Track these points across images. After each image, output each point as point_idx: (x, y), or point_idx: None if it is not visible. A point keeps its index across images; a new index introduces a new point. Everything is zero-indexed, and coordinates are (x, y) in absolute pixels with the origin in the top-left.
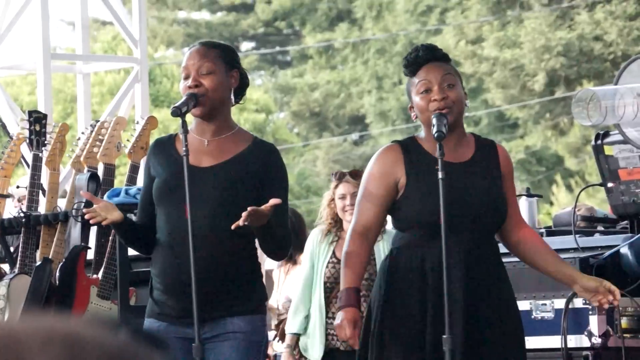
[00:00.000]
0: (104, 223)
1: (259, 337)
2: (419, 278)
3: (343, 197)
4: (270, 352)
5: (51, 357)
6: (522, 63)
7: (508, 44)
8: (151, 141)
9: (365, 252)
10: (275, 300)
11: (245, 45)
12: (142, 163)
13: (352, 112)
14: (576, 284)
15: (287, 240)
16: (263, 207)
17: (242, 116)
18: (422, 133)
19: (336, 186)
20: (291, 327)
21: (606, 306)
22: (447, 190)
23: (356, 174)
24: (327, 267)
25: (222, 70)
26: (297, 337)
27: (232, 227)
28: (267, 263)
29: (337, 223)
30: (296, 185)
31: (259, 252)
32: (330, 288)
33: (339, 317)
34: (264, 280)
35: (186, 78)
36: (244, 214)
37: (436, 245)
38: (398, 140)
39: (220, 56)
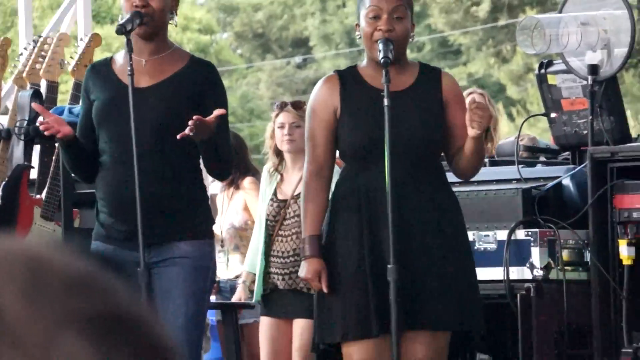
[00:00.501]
0: (58, 136)
1: (206, 262)
2: (354, 207)
3: (282, 127)
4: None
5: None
6: None
7: None
8: (95, 59)
9: (323, 192)
10: (218, 226)
11: None
12: None
13: (295, 35)
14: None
15: (229, 158)
16: (208, 118)
17: (186, 36)
18: (364, 62)
19: (276, 115)
20: (247, 263)
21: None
22: (377, 118)
23: (298, 105)
24: (269, 204)
25: None
26: (251, 274)
27: (178, 136)
28: (210, 188)
29: (277, 155)
30: (239, 108)
31: (204, 175)
32: (272, 226)
33: (303, 268)
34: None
35: None
36: (190, 122)
37: (367, 173)
38: (338, 70)
39: None
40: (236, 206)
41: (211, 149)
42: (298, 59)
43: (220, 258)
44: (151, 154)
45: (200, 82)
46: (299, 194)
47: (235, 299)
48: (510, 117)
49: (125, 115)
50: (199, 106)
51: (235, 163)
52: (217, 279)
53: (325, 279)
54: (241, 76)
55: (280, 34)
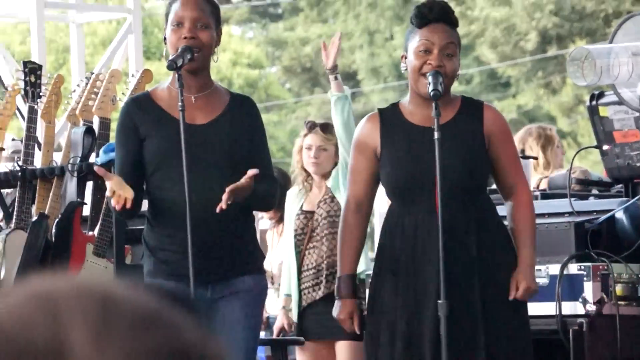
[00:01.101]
0: (128, 205)
1: (264, 296)
2: (399, 245)
3: (309, 148)
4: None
5: (87, 314)
6: (513, 22)
7: (500, 1)
8: None
9: (360, 227)
10: (269, 263)
11: None
12: None
13: (343, 68)
14: (514, 278)
15: (272, 194)
16: (243, 180)
17: (235, 70)
18: (406, 97)
19: (305, 135)
20: (284, 288)
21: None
22: (417, 154)
23: (326, 128)
24: (295, 219)
25: (213, 26)
26: (289, 297)
27: (217, 210)
28: (260, 224)
29: (306, 171)
30: (288, 143)
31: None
32: (301, 241)
33: (336, 308)
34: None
35: (178, 26)
36: (224, 197)
37: (411, 210)
38: (380, 108)
39: (213, 12)
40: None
41: (252, 200)
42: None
43: (271, 294)
44: (218, 190)
45: (247, 119)
46: (323, 197)
47: (277, 325)
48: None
49: (187, 152)
50: (251, 141)
51: (280, 198)
52: (267, 314)
53: (358, 321)
54: (290, 110)
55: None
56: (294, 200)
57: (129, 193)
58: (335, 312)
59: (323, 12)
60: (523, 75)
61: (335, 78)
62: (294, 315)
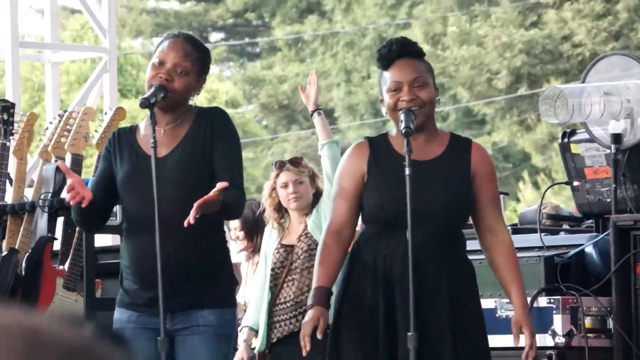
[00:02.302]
0: (83, 205)
1: (228, 331)
2: (371, 273)
3: (285, 186)
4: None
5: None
6: (483, 60)
7: (469, 41)
8: None
9: (339, 251)
10: (242, 296)
11: (215, 36)
12: None
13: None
14: (516, 325)
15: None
16: (211, 193)
17: None
18: (393, 130)
19: (277, 175)
20: (247, 321)
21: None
22: (402, 186)
23: (296, 162)
24: (274, 253)
25: (195, 73)
26: (252, 330)
27: (185, 224)
28: (235, 257)
29: (279, 212)
30: (264, 179)
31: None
32: (278, 273)
33: (308, 315)
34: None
35: (160, 65)
36: (192, 212)
37: (387, 239)
38: (369, 136)
39: (198, 60)
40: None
41: (222, 211)
42: None
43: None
44: (174, 221)
45: (209, 128)
46: (303, 231)
47: (236, 359)
48: (536, 186)
49: (149, 185)
50: (211, 153)
51: (257, 233)
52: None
53: (322, 328)
54: (266, 147)
55: (306, 106)
56: (269, 238)
57: (87, 193)
58: (305, 319)
59: (301, 51)
60: (498, 113)
61: (319, 114)
62: (261, 345)
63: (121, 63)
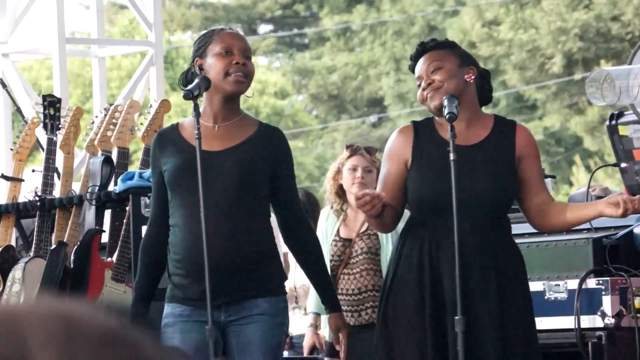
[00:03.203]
0: None
1: (282, 319)
2: (417, 261)
3: (354, 169)
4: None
5: (48, 334)
6: (538, 44)
7: (524, 25)
8: (165, 124)
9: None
10: (292, 282)
11: (263, 28)
12: None
13: (370, 95)
14: (601, 205)
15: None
16: None
17: (262, 100)
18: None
19: (349, 157)
20: (310, 306)
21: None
22: (447, 171)
23: (371, 151)
24: (331, 244)
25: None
26: (318, 315)
27: None
28: (283, 245)
29: (340, 197)
30: (315, 169)
31: (276, 231)
32: (336, 266)
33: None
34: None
35: (227, 53)
36: None
37: (432, 226)
38: (414, 120)
39: (249, 47)
40: None
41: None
42: (373, 118)
43: (294, 314)
44: (226, 215)
45: (271, 148)
46: (365, 230)
47: (307, 344)
48: (588, 169)
49: (202, 178)
50: (270, 173)
51: (313, 221)
52: (290, 335)
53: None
54: (317, 137)
55: (355, 95)
56: (326, 224)
57: None
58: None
59: (349, 40)
60: (549, 98)
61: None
62: (327, 335)
63: (172, 57)
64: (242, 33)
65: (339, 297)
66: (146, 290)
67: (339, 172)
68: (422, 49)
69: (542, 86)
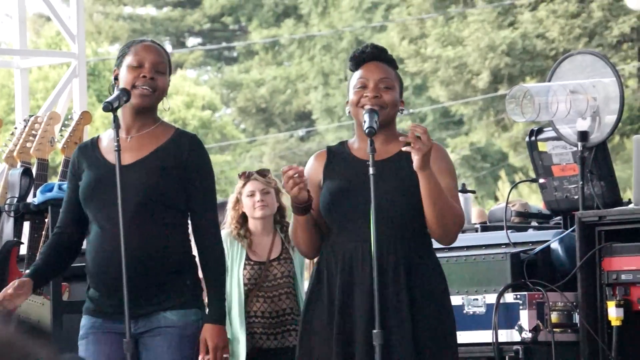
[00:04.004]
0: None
1: (191, 331)
2: (333, 272)
3: (252, 195)
4: None
5: None
6: (465, 61)
7: (452, 42)
8: (85, 137)
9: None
10: None
11: (192, 41)
12: None
13: (298, 108)
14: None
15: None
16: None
17: (190, 112)
18: (354, 136)
19: (243, 185)
20: None
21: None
22: (358, 186)
23: (263, 173)
24: (244, 268)
25: (167, 73)
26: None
27: None
28: None
29: (242, 225)
30: None
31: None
32: (250, 289)
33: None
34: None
35: (138, 67)
36: None
37: (346, 240)
38: (329, 146)
39: (167, 60)
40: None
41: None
42: (301, 132)
43: None
44: (134, 228)
45: (184, 155)
46: (279, 256)
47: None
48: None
49: (111, 192)
50: (183, 177)
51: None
52: None
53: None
54: (245, 150)
55: (284, 108)
56: (231, 248)
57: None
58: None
59: (278, 54)
60: (475, 113)
61: None
62: (242, 357)
63: (99, 69)
64: (166, 46)
65: (252, 319)
66: (39, 269)
67: (237, 201)
68: (376, 55)
69: (468, 102)
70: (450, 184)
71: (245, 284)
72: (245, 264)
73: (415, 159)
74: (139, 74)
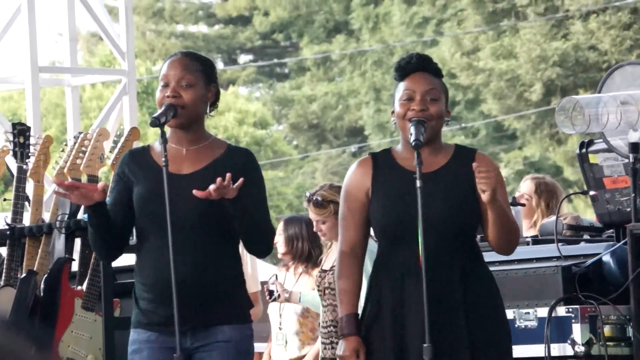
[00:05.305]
0: (97, 198)
1: (247, 346)
2: (388, 286)
3: (314, 223)
4: None
5: None
6: (518, 74)
7: (504, 54)
8: None
9: (356, 271)
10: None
11: (243, 58)
12: None
13: (350, 124)
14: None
15: (268, 233)
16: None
17: (242, 130)
18: (399, 145)
19: (307, 206)
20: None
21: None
22: (407, 199)
23: (320, 205)
24: (316, 275)
25: (201, 84)
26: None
27: (199, 195)
28: (261, 274)
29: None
30: (295, 199)
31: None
32: (320, 296)
33: (341, 346)
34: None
35: (165, 86)
36: (211, 190)
37: (399, 253)
38: (372, 152)
39: (201, 70)
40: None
41: (244, 216)
42: (353, 148)
43: (279, 340)
44: (193, 238)
45: (238, 168)
46: (333, 265)
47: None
48: (569, 198)
49: (170, 202)
50: (239, 192)
51: (307, 249)
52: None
53: (363, 357)
54: (297, 166)
55: (335, 124)
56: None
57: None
58: (339, 350)
59: (329, 70)
60: (529, 127)
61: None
62: None
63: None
64: (218, 63)
65: (321, 329)
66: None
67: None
68: (422, 65)
69: (522, 115)
70: (504, 198)
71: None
72: (319, 271)
73: (485, 194)
74: (164, 94)
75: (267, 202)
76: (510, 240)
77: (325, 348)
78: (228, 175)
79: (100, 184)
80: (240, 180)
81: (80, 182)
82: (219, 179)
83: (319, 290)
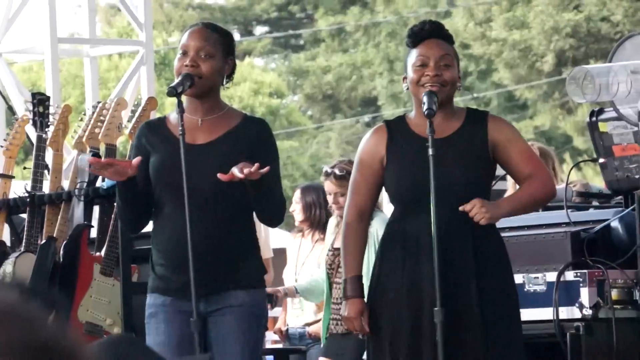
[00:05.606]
0: (132, 172)
1: (259, 311)
2: (399, 249)
3: (329, 194)
4: (282, 327)
5: None
6: (530, 44)
7: (517, 25)
8: None
9: (362, 234)
10: (293, 272)
11: (259, 30)
12: None
13: (364, 95)
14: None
15: (282, 205)
16: (254, 169)
17: (257, 100)
18: (412, 111)
19: (325, 180)
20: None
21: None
22: (422, 165)
23: (341, 177)
24: (327, 253)
25: (219, 55)
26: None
27: (224, 178)
28: (273, 242)
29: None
30: (310, 168)
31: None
32: (330, 274)
33: (344, 308)
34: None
35: (184, 55)
36: (235, 172)
37: (413, 218)
38: (387, 120)
39: (221, 42)
40: (318, 257)
41: (263, 193)
42: (367, 118)
43: (295, 304)
44: (208, 207)
45: (253, 138)
46: None
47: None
48: (578, 167)
49: (187, 171)
50: (252, 159)
51: (324, 217)
52: (287, 326)
53: (367, 319)
54: (311, 136)
55: (349, 95)
56: (331, 231)
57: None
58: (344, 311)
59: (344, 41)
60: (539, 97)
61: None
62: (323, 339)
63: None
64: (234, 34)
65: (333, 306)
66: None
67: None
68: (435, 32)
69: (533, 85)
70: (528, 148)
71: (326, 269)
72: (328, 251)
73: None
74: (183, 63)
75: (280, 173)
76: (541, 205)
77: (337, 324)
78: (256, 165)
79: (135, 160)
80: (266, 168)
81: (115, 159)
82: (246, 170)
83: (330, 269)
